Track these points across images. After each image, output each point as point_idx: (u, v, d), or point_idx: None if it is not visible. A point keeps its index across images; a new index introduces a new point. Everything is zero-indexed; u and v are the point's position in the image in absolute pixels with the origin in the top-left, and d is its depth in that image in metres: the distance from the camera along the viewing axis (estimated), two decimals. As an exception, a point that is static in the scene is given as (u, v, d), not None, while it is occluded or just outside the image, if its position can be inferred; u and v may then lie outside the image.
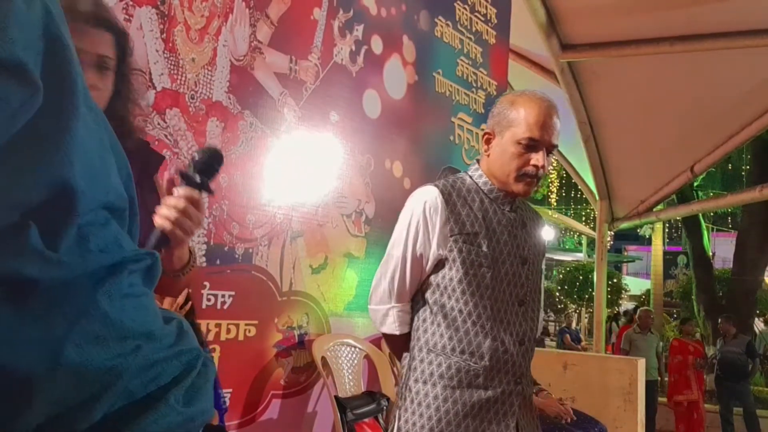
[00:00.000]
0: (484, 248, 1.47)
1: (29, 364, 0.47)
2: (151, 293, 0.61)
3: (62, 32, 0.52)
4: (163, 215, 1.03)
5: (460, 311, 1.47)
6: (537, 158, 1.47)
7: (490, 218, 1.51)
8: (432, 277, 1.51)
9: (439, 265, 1.50)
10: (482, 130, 4.06)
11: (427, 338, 1.50)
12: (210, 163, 1.06)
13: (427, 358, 1.48)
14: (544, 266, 1.62)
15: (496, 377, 1.46)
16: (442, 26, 3.75)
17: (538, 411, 2.75)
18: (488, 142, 1.56)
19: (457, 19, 3.90)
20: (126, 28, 1.21)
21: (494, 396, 1.45)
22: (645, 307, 8.44)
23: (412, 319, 1.57)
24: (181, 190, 1.05)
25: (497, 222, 1.51)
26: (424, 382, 1.47)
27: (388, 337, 1.61)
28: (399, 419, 1.50)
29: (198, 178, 1.05)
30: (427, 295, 1.52)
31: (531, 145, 1.47)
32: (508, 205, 1.55)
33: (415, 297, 1.57)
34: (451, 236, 1.48)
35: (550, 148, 1.49)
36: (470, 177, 1.57)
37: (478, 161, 1.61)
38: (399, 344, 1.60)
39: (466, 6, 3.99)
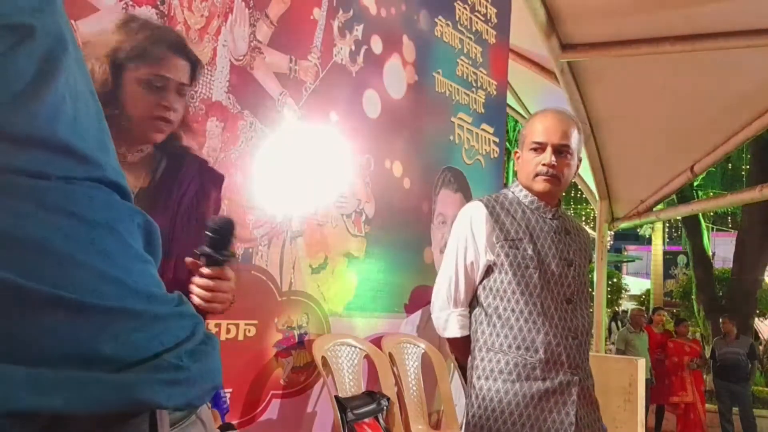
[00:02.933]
0: (530, 251, 1.62)
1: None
2: (154, 265, 0.62)
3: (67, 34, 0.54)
4: (197, 295, 1.12)
5: (513, 310, 1.61)
6: (544, 157, 1.66)
7: (533, 226, 1.67)
8: (484, 282, 1.68)
9: (489, 270, 1.66)
10: (482, 129, 4.07)
11: (485, 338, 1.64)
12: (225, 236, 1.14)
13: (486, 356, 1.63)
14: (588, 269, 1.77)
15: (553, 369, 1.58)
16: (442, 26, 3.75)
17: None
18: (518, 159, 1.78)
19: (457, 19, 3.90)
20: (198, 57, 1.26)
21: (552, 387, 1.58)
22: (637, 307, 8.45)
23: (472, 323, 1.72)
24: (206, 270, 1.13)
25: (540, 228, 1.67)
26: (486, 379, 1.61)
27: (452, 341, 1.77)
28: (467, 414, 1.65)
29: (220, 256, 1.13)
30: (482, 299, 1.68)
31: (537, 148, 1.67)
32: (550, 213, 1.71)
33: (471, 302, 1.73)
34: (497, 243, 1.64)
35: (557, 148, 1.66)
36: (512, 192, 1.76)
37: (516, 178, 1.82)
38: (461, 347, 1.75)
39: (466, 6, 3.99)
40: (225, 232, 1.14)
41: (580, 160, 1.74)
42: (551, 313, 1.60)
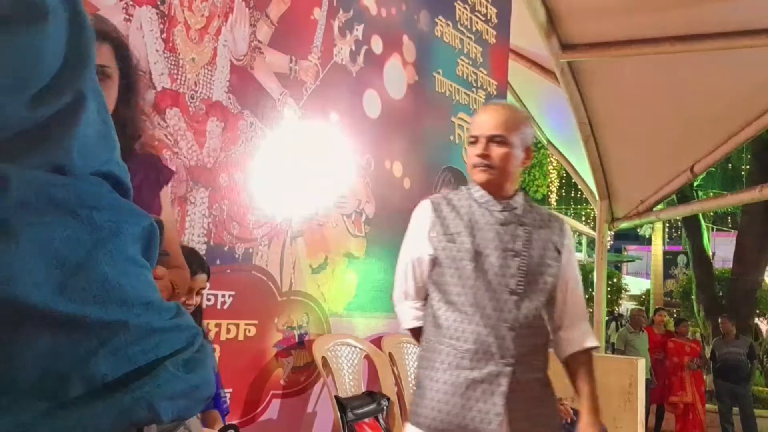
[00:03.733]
0: (467, 244, 1.65)
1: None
2: (150, 269, 0.61)
3: (83, 11, 0.54)
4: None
5: (447, 302, 1.66)
6: (476, 149, 1.70)
7: (476, 219, 1.70)
8: (431, 276, 1.72)
9: (432, 264, 1.71)
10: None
11: (428, 330, 1.70)
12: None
13: (426, 346, 1.69)
14: (553, 261, 1.72)
15: (483, 359, 1.60)
16: (442, 26, 3.75)
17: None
18: None
19: (457, 19, 3.90)
20: (125, 39, 1.25)
21: (480, 377, 1.59)
22: (637, 307, 8.45)
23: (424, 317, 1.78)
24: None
25: (485, 221, 1.69)
26: (425, 368, 1.66)
27: (410, 332, 1.82)
28: (411, 403, 1.70)
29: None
30: (429, 291, 1.72)
31: (474, 142, 1.72)
32: (499, 206, 1.72)
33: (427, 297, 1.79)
34: (435, 237, 1.69)
35: (489, 138, 1.69)
36: (466, 189, 1.79)
37: None
38: (416, 337, 1.80)
39: (466, 6, 3.99)
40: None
41: (529, 149, 1.75)
42: (485, 304, 1.62)
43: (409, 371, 3.13)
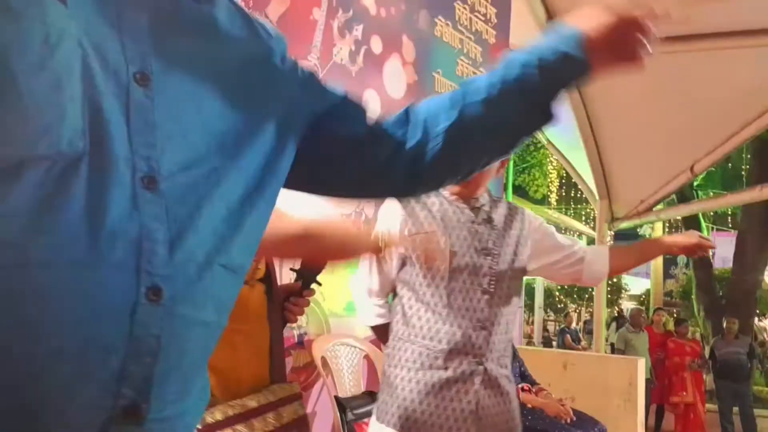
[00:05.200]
0: (441, 244, 1.64)
1: None
2: None
3: None
4: (293, 312, 1.38)
5: (420, 301, 1.65)
6: None
7: (449, 217, 1.68)
8: (400, 274, 1.71)
9: (403, 263, 1.70)
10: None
11: (397, 328, 1.69)
12: (321, 267, 1.37)
13: (396, 345, 1.68)
14: (524, 256, 1.73)
15: (456, 358, 1.61)
16: (441, 26, 3.75)
17: (538, 410, 2.76)
18: None
19: (457, 19, 3.90)
20: None
21: (454, 376, 1.60)
22: (636, 306, 8.45)
23: (392, 314, 1.77)
24: (305, 293, 1.38)
25: (457, 220, 1.68)
26: (394, 367, 1.65)
27: (372, 329, 1.85)
28: (378, 401, 1.70)
29: (317, 284, 1.39)
30: (398, 290, 1.73)
31: None
32: (469, 205, 1.72)
33: (394, 294, 1.78)
34: (409, 236, 1.67)
35: None
36: None
37: None
38: (378, 334, 1.84)
39: (465, 6, 3.99)
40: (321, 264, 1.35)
41: (505, 160, 1.80)
42: (458, 304, 1.62)
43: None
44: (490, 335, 1.64)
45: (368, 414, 2.65)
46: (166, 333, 0.53)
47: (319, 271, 1.40)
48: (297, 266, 1.40)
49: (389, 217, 1.71)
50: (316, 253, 1.24)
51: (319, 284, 1.41)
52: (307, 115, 0.74)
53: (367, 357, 2.97)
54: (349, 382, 2.81)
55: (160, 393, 0.54)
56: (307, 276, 1.40)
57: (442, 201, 1.71)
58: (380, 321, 1.77)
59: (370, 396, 2.75)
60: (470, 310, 1.63)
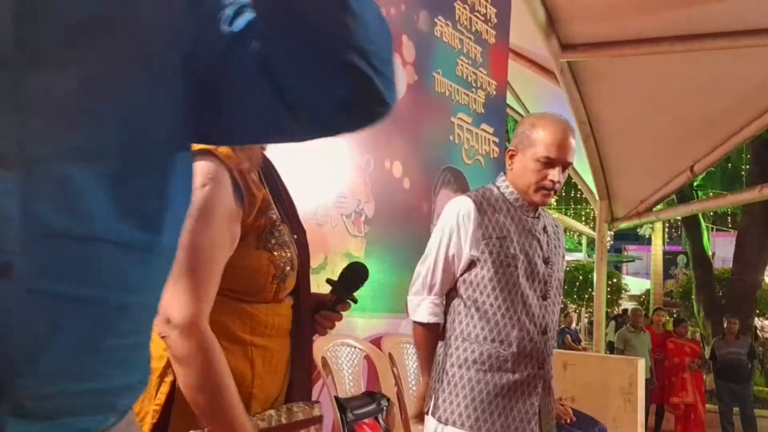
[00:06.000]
0: (512, 250, 1.69)
1: None
2: None
3: None
4: (324, 326, 1.32)
5: (491, 305, 1.68)
6: (553, 174, 1.69)
7: (517, 224, 1.73)
8: (465, 275, 1.74)
9: (471, 265, 1.72)
10: (482, 130, 4.07)
11: (462, 329, 1.71)
12: (360, 280, 1.33)
13: (462, 345, 1.70)
14: (563, 268, 1.86)
15: (522, 362, 1.67)
16: (441, 26, 3.74)
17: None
18: (512, 158, 1.79)
19: (457, 19, 3.90)
20: None
21: (520, 379, 1.67)
22: (636, 306, 8.46)
23: (447, 313, 1.78)
24: (338, 307, 1.31)
25: (523, 227, 1.73)
26: (459, 367, 1.68)
27: (419, 326, 1.80)
28: (437, 399, 1.71)
29: (352, 300, 1.33)
30: (461, 291, 1.74)
31: (548, 163, 1.69)
32: (532, 212, 1.77)
33: (450, 294, 1.78)
34: (482, 240, 1.69)
35: (565, 166, 1.72)
36: (497, 188, 1.80)
37: (504, 173, 1.84)
38: (425, 334, 1.80)
39: (465, 6, 3.98)
40: (362, 278, 1.33)
41: None
42: (527, 310, 1.68)
43: (409, 372, 3.12)
44: (547, 341, 1.73)
45: (368, 414, 2.65)
46: (21, 310, 0.50)
47: (357, 287, 1.35)
48: (335, 277, 1.35)
49: (461, 216, 1.71)
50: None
51: (355, 301, 1.35)
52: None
53: (367, 357, 2.97)
54: (350, 382, 2.81)
55: (32, 371, 0.52)
56: (343, 291, 1.32)
57: (509, 206, 1.75)
58: (434, 320, 1.77)
59: (370, 396, 2.75)
60: (536, 316, 1.70)
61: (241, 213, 1.08)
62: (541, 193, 1.72)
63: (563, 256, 1.86)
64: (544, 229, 1.79)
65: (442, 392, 1.71)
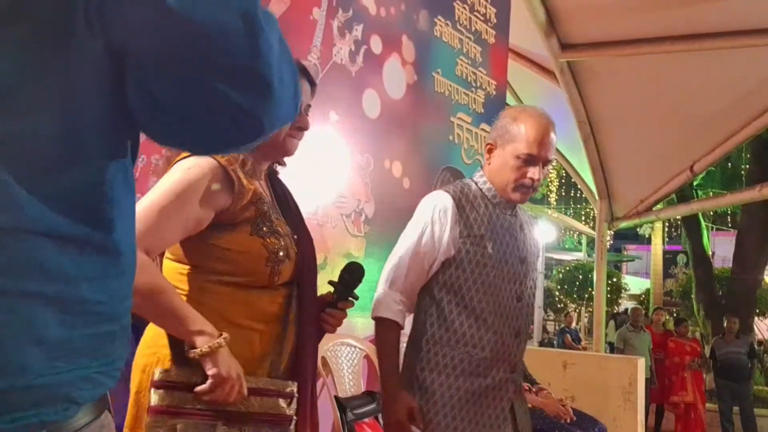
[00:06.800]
0: (489, 249, 1.61)
1: None
2: None
3: None
4: (329, 323, 1.44)
5: (465, 307, 1.60)
6: (534, 172, 1.62)
7: (494, 222, 1.65)
8: (439, 276, 1.65)
9: (446, 264, 1.63)
10: (482, 129, 4.07)
11: (433, 332, 1.64)
12: (358, 280, 1.45)
13: (433, 349, 1.63)
14: (539, 264, 1.76)
15: (494, 366, 1.61)
16: (441, 26, 3.74)
17: (538, 410, 2.76)
18: (490, 152, 1.70)
19: (457, 19, 3.90)
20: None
21: (492, 383, 1.61)
22: (636, 305, 8.46)
23: (417, 314, 1.70)
24: (341, 305, 1.44)
25: (500, 225, 1.65)
26: (430, 371, 1.62)
27: (379, 322, 1.69)
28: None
29: (353, 297, 1.46)
30: (435, 292, 1.65)
31: (529, 160, 1.61)
32: (510, 209, 1.70)
33: (422, 294, 1.69)
34: (460, 239, 1.61)
35: (546, 163, 1.65)
36: (475, 183, 1.71)
37: (481, 167, 1.76)
38: (385, 332, 1.69)
39: (465, 5, 3.98)
40: (358, 277, 1.44)
41: None
42: (500, 312, 1.62)
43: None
44: (520, 344, 1.67)
45: (368, 414, 2.65)
46: None
47: (355, 285, 1.43)
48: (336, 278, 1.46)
49: (438, 213, 1.63)
50: (155, 315, 1.19)
51: (356, 298, 1.45)
52: None
53: (367, 357, 2.97)
54: (349, 382, 2.81)
55: None
56: (342, 289, 1.43)
57: (487, 203, 1.67)
58: (395, 318, 1.65)
59: (370, 396, 2.75)
60: (509, 318, 1.63)
61: (229, 201, 1.24)
62: (521, 192, 1.64)
63: (538, 254, 1.80)
64: (521, 227, 1.72)
65: (416, 398, 1.63)
